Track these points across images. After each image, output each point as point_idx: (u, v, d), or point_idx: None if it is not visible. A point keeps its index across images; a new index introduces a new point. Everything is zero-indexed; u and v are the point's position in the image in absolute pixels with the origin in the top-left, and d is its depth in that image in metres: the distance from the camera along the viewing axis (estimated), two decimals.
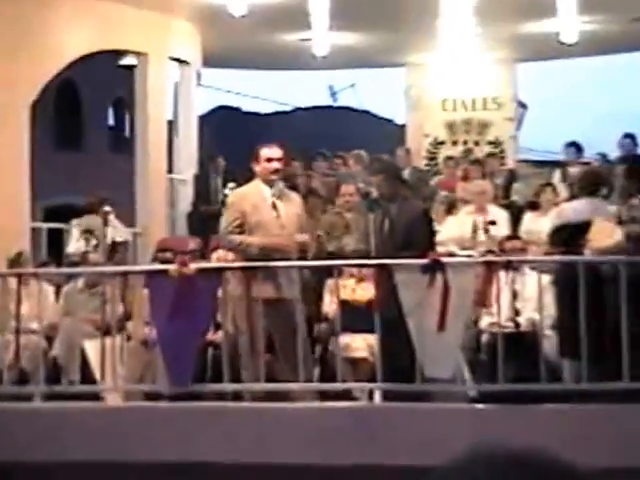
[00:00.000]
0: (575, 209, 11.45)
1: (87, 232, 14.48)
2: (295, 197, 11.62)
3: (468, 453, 1.77)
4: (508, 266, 11.31)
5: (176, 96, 19.57)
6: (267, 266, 10.89)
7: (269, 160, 11.10)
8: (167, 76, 19.06)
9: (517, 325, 11.43)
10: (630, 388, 10.09)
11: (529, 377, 10.45)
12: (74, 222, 15.16)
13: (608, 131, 18.82)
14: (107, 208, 14.60)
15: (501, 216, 13.78)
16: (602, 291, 10.34)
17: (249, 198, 11.10)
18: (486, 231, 13.43)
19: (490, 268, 10.87)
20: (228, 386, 10.88)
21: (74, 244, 14.94)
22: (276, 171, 11.14)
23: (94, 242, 14.38)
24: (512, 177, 17.15)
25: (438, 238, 12.49)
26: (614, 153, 17.42)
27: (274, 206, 11.03)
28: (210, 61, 20.76)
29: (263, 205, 11.03)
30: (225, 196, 11.41)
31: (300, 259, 11.51)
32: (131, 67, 19.04)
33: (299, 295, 10.95)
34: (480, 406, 10.47)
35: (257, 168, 11.18)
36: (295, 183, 16.36)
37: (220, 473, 10.27)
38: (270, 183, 11.09)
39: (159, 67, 18.61)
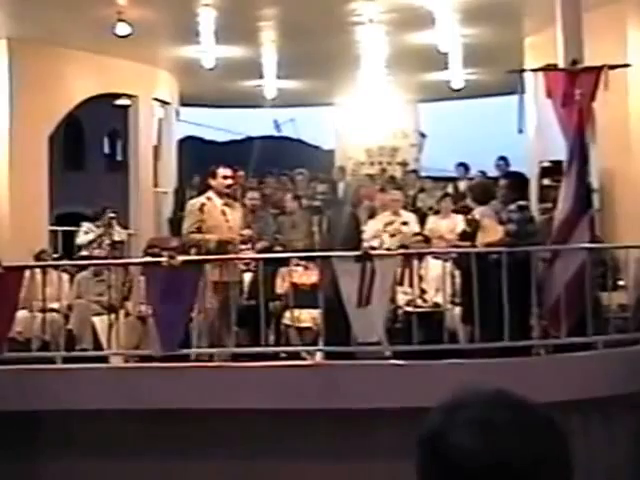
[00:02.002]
0: (483, 212, 11.62)
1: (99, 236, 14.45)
2: (237, 206, 11.64)
3: (457, 395, 1.69)
4: (419, 256, 11.39)
5: (160, 128, 19.52)
6: (236, 257, 10.94)
7: (224, 177, 11.15)
8: (153, 113, 19.03)
9: (424, 301, 11.52)
10: (509, 346, 10.23)
11: (434, 340, 10.53)
12: (84, 224, 15.11)
13: (487, 154, 18.93)
14: (111, 215, 14.56)
15: (411, 218, 13.81)
16: (489, 274, 10.43)
17: (205, 206, 11.11)
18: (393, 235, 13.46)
19: (406, 258, 10.97)
20: (206, 350, 10.87)
21: (82, 237, 14.95)
22: (229, 186, 11.20)
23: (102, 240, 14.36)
24: (421, 190, 17.26)
25: (364, 236, 12.56)
26: (491, 170, 17.57)
27: (223, 212, 11.05)
28: (186, 101, 20.78)
29: (215, 212, 11.03)
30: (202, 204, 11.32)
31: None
32: (125, 106, 18.99)
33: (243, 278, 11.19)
34: (398, 361, 10.50)
35: (213, 183, 11.17)
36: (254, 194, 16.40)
37: (201, 416, 10.26)
38: (221, 194, 11.12)
39: (147, 106, 18.61)
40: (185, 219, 11.30)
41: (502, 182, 11.45)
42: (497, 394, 1.69)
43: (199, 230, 10.94)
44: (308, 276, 11.60)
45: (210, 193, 11.18)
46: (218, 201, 11.07)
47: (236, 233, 11.16)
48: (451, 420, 1.64)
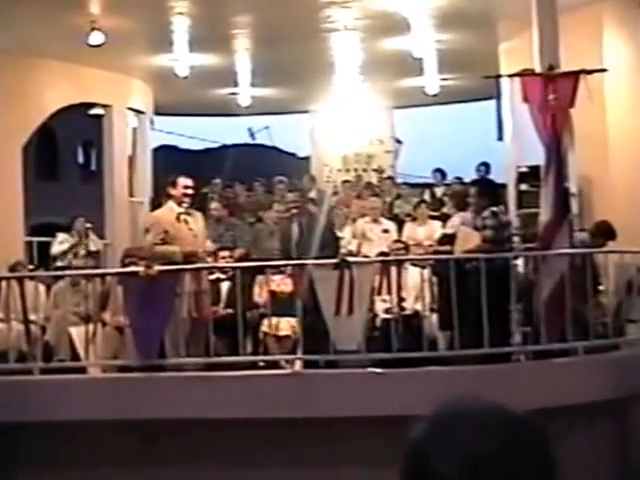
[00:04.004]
0: (463, 218, 11.71)
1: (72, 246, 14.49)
2: (199, 214, 11.62)
3: (445, 411, 1.64)
4: (398, 263, 11.40)
5: (134, 137, 19.49)
6: (213, 266, 10.93)
7: (185, 187, 11.15)
8: (127, 122, 19.00)
9: (403, 309, 11.53)
10: (489, 353, 10.25)
11: (413, 348, 10.53)
12: (59, 234, 15.13)
13: (463, 160, 19.04)
14: (88, 225, 14.56)
15: (390, 225, 13.87)
16: (468, 281, 10.47)
17: (167, 217, 11.09)
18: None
19: (385, 265, 10.99)
20: (183, 360, 10.86)
21: (56, 247, 14.96)
22: (189, 195, 11.18)
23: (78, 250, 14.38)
24: (397, 196, 17.29)
25: (342, 242, 12.58)
26: (469, 176, 17.62)
27: (185, 222, 11.06)
28: (160, 110, 20.76)
29: (177, 222, 11.04)
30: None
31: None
32: (99, 116, 18.97)
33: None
34: (376, 369, 10.47)
35: (174, 192, 11.17)
36: (229, 202, 16.44)
37: (180, 426, 10.25)
38: (181, 204, 11.11)
39: (121, 116, 18.60)
40: (149, 230, 11.29)
41: (472, 189, 11.55)
42: (487, 414, 1.63)
43: (163, 241, 10.94)
44: (286, 284, 11.60)
45: (170, 203, 11.17)
46: (179, 211, 11.09)
47: (201, 243, 11.16)
48: (436, 444, 1.59)
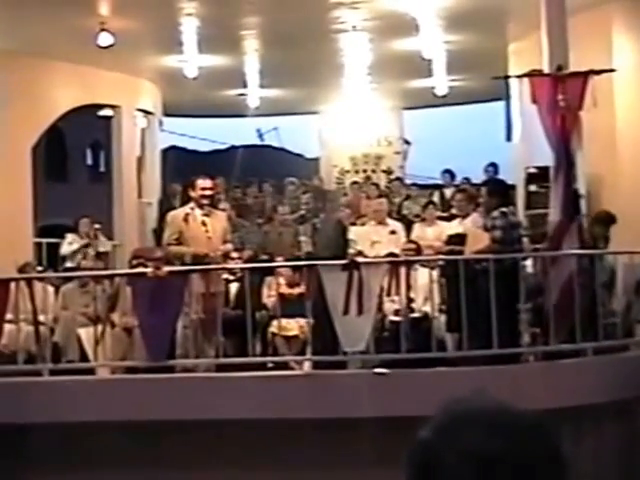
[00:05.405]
0: (474, 221, 11.77)
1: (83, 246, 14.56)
2: (221, 214, 11.69)
3: (454, 413, 1.60)
4: (407, 264, 11.38)
5: (143, 138, 19.53)
6: (220, 268, 10.96)
7: (203, 189, 11.18)
8: (136, 123, 19.05)
9: (412, 310, 11.52)
10: (498, 354, 10.24)
11: (422, 349, 10.52)
12: (68, 235, 15.16)
13: (472, 161, 19.05)
14: (96, 226, 14.58)
15: (398, 227, 13.86)
16: (477, 281, 10.46)
17: (189, 216, 11.13)
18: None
19: (394, 266, 10.97)
20: (192, 360, 10.88)
21: (66, 247, 14.99)
22: (207, 197, 11.24)
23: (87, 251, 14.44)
24: (406, 197, 17.29)
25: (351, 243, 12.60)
26: (477, 177, 17.63)
27: (203, 223, 11.07)
28: (169, 111, 20.80)
29: (195, 223, 11.05)
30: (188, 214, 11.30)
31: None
32: (108, 117, 19.01)
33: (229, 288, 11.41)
34: (383, 370, 10.46)
35: (193, 194, 11.25)
36: (238, 203, 16.47)
37: (189, 427, 10.26)
38: (201, 205, 11.14)
39: (130, 117, 18.66)
40: (165, 229, 11.33)
41: (482, 190, 11.57)
42: (496, 414, 1.60)
43: (178, 241, 10.97)
44: (294, 287, 11.60)
45: (192, 204, 11.22)
46: (198, 212, 11.11)
47: (217, 243, 11.16)
48: (444, 445, 1.56)
